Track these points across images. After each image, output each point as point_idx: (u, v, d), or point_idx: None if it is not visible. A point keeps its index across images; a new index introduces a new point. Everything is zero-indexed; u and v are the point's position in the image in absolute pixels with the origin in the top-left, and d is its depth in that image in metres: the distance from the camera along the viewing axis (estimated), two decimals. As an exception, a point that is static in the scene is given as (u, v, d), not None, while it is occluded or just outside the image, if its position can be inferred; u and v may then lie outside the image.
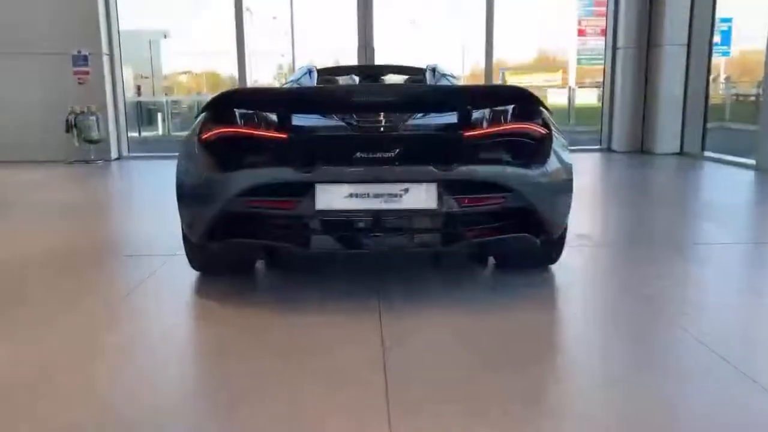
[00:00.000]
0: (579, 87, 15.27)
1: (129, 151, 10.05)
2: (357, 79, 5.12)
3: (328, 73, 4.81)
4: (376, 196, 2.74)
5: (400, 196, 2.74)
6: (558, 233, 3.07)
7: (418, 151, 2.79)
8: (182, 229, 3.09)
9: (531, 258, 3.34)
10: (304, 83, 4.06)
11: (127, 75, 12.92)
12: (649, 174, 7.89)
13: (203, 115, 3.04)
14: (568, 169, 3.00)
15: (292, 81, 4.19)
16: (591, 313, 2.90)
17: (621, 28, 9.66)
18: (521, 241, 2.96)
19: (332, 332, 2.58)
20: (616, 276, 3.43)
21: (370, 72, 5.11)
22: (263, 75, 13.27)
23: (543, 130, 2.96)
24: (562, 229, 3.13)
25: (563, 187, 2.98)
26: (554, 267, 3.43)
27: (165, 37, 14.52)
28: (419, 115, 3.07)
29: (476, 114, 2.98)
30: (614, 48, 9.84)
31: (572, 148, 3.23)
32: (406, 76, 5.11)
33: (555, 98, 21.28)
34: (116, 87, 9.74)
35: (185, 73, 15.42)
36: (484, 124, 3.00)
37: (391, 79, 5.45)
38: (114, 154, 9.72)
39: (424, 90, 3.59)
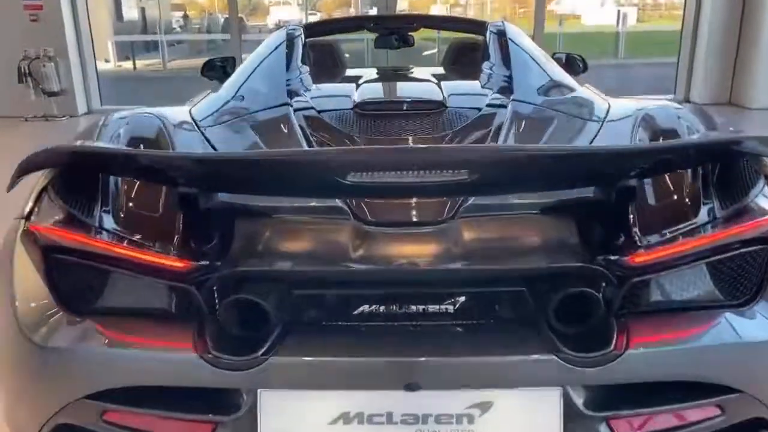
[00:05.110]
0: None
1: (102, 104, 8.34)
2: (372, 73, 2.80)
3: (323, 33, 2.97)
4: (412, 422, 1.12)
5: (470, 421, 1.12)
6: None
7: (514, 310, 1.14)
8: None
9: None
10: (275, 67, 2.22)
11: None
12: None
13: (44, 179, 1.39)
14: None
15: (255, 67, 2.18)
16: None
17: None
18: None
19: None
20: None
21: (392, 26, 3.25)
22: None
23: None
24: None
25: None
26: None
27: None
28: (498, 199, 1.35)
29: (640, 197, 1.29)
30: (701, -32, 7.72)
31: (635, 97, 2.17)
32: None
33: (591, 18, 18.54)
34: (79, 24, 7.90)
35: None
36: (663, 223, 1.31)
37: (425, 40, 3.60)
38: (82, 109, 8.01)
39: (531, 155, 1.22)
